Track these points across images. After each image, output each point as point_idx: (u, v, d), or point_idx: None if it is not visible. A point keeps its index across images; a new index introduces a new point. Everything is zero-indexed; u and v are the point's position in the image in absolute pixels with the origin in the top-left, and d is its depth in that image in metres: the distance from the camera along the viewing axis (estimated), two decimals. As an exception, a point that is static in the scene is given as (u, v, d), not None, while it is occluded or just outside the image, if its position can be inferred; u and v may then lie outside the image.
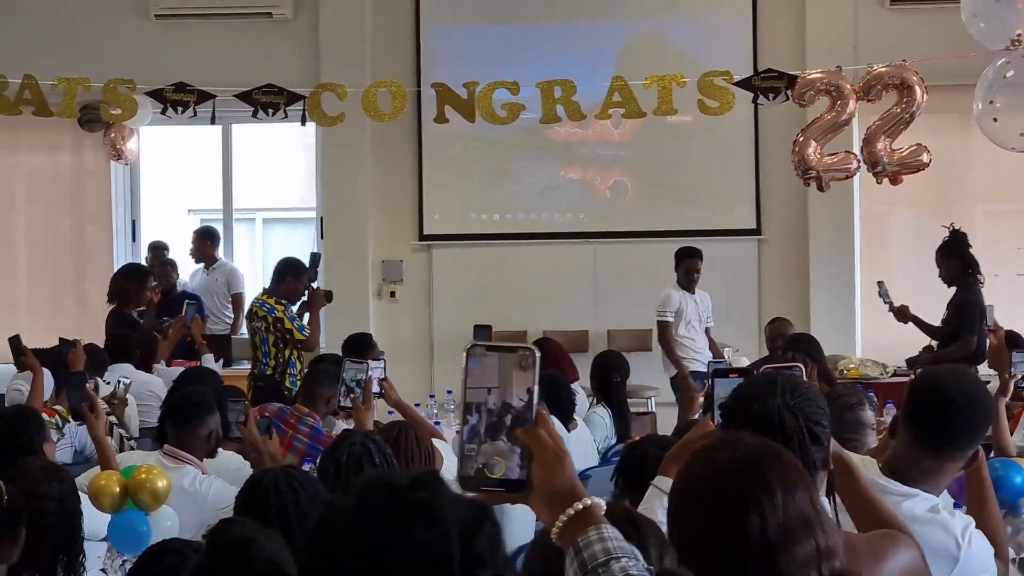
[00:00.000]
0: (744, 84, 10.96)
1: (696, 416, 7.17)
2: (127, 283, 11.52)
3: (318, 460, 5.63)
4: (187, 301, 11.72)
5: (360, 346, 9.39)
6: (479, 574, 2.21)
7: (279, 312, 10.48)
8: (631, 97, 10.97)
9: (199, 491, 6.31)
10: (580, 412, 9.27)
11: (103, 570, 5.62)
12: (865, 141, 10.87)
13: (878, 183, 10.98)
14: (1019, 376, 7.88)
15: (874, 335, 13.26)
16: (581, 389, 9.96)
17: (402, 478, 2.24)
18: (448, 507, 2.20)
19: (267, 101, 11.34)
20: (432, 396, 10.62)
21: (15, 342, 9.35)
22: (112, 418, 8.21)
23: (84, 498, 5.19)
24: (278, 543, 3.13)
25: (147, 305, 11.53)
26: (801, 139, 10.94)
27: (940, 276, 11.24)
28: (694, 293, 12.10)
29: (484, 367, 2.48)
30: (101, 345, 9.97)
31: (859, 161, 10.96)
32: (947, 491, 4.61)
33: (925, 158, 10.79)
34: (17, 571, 4.52)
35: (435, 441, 6.68)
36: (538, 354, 2.48)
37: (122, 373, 9.43)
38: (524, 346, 2.49)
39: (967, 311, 10.95)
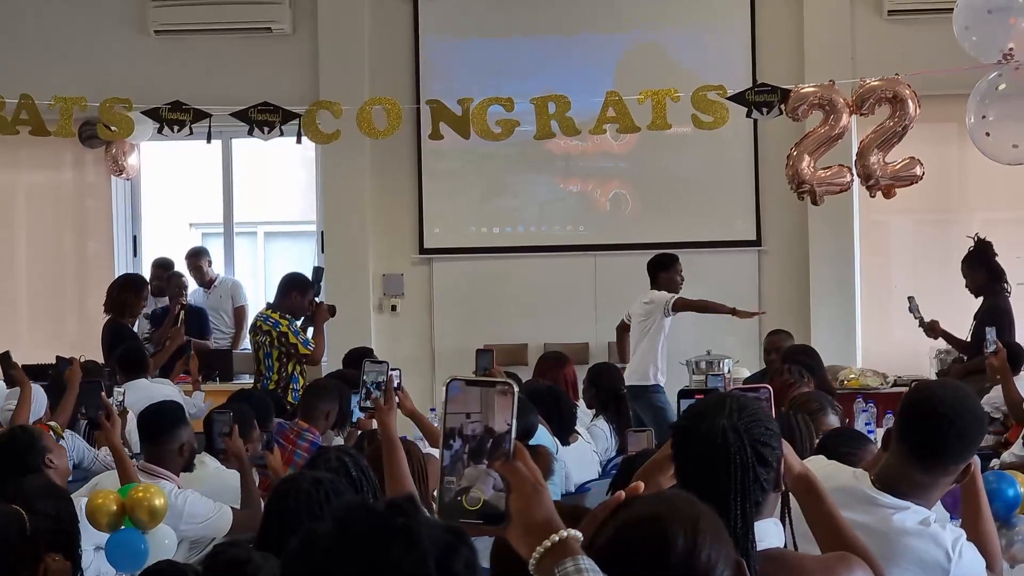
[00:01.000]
0: (738, 99, 10.95)
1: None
2: (123, 294, 11.56)
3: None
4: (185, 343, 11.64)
5: (361, 361, 9.39)
6: None
7: (284, 327, 10.53)
8: (625, 112, 10.99)
9: (175, 504, 6.31)
10: (581, 423, 9.30)
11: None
12: (859, 155, 10.86)
13: (871, 196, 10.99)
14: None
15: (875, 345, 13.28)
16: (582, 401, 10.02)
17: (379, 504, 2.26)
18: (424, 531, 2.22)
19: (263, 120, 11.37)
20: (433, 409, 10.62)
21: (4, 358, 9.37)
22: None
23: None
24: (274, 564, 3.15)
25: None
26: (795, 153, 10.93)
27: (967, 286, 11.22)
28: None
29: (465, 394, 2.50)
30: (99, 357, 9.98)
31: (853, 175, 10.97)
32: (942, 504, 4.63)
33: (918, 171, 10.77)
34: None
35: (434, 451, 6.72)
36: (516, 388, 2.50)
37: (137, 388, 9.46)
38: (503, 381, 2.51)
39: (999, 320, 10.79)
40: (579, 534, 2.49)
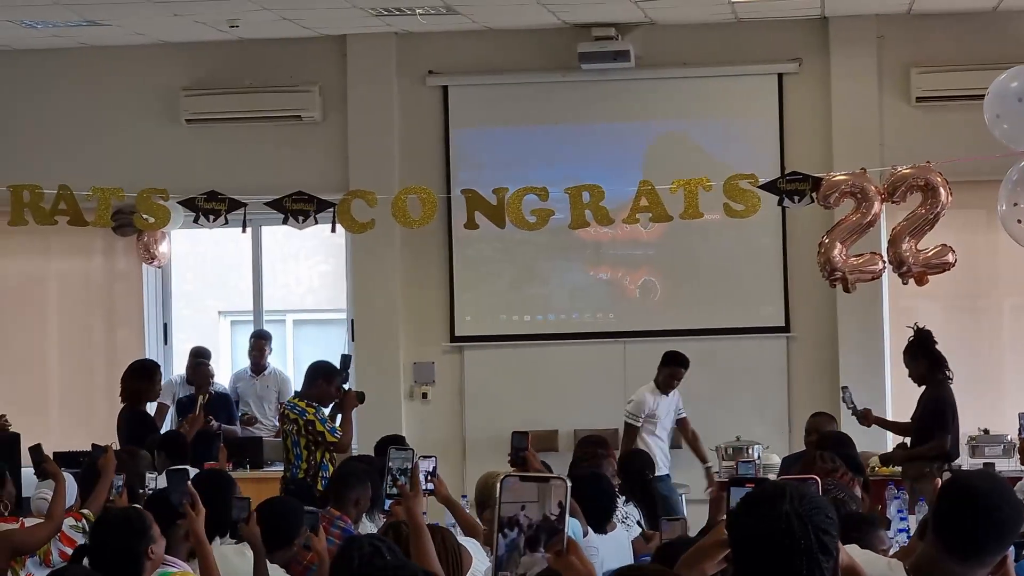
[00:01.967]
0: (769, 187, 11.02)
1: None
2: (136, 382, 11.64)
3: (329, 567, 5.65)
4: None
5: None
6: None
7: (310, 415, 10.55)
8: (658, 201, 11.06)
9: None
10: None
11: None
12: (890, 242, 10.91)
13: (903, 283, 11.01)
14: None
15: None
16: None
17: None
18: None
19: (297, 209, 11.44)
20: (464, 496, 10.60)
21: (36, 451, 9.38)
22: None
23: None
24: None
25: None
26: (827, 240, 10.97)
27: (909, 376, 11.31)
28: (668, 396, 12.31)
29: (520, 487, 2.53)
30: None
31: (884, 262, 10.99)
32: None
33: (951, 258, 10.81)
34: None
35: (467, 540, 6.71)
36: (568, 483, 2.53)
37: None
38: (557, 476, 2.55)
39: (939, 409, 11.11)
40: None
